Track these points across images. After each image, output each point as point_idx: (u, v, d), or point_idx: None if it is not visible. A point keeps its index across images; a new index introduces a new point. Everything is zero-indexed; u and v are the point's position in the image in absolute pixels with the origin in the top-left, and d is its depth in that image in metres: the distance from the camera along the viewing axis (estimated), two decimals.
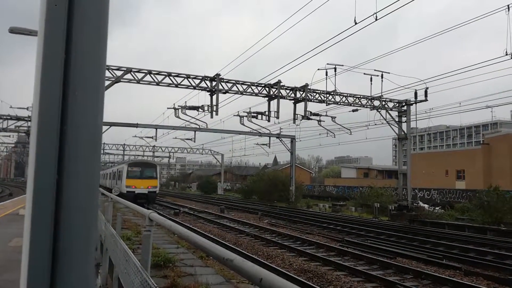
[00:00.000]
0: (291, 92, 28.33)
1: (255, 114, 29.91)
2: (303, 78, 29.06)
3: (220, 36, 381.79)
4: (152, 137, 45.66)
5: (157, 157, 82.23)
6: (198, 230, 19.80)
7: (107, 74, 23.88)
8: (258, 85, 27.59)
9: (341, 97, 29.04)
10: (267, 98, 28.18)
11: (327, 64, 26.42)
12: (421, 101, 28.37)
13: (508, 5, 18.05)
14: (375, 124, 30.99)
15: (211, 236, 17.95)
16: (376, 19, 17.10)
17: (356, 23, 17.82)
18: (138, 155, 78.78)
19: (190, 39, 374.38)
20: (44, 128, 0.91)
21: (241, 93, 27.16)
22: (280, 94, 27.72)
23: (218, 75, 26.10)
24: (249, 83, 27.35)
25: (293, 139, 43.83)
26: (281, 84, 27.63)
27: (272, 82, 27.57)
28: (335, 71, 26.49)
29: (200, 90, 26.50)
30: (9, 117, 36.62)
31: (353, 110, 30.04)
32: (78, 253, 0.93)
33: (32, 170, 0.90)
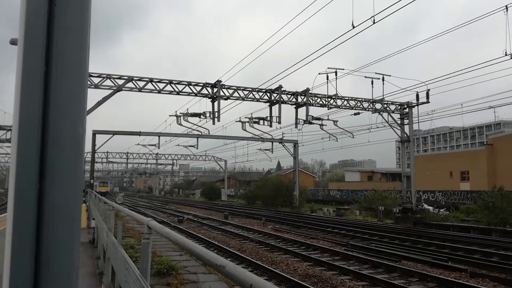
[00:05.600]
0: (292, 97, 28.36)
1: (256, 120, 29.94)
2: (311, 80, 29.28)
3: (233, 41, 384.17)
4: (155, 145, 45.83)
5: (160, 164, 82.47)
6: (202, 237, 19.78)
7: (109, 83, 24.05)
8: (259, 90, 27.64)
9: (343, 100, 29.06)
10: (268, 104, 28.23)
11: (328, 68, 26.49)
12: (423, 103, 28.36)
13: (506, 6, 18.05)
14: (377, 127, 30.99)
15: (215, 242, 17.91)
16: (374, 22, 17.14)
17: (354, 27, 17.88)
18: (142, 163, 79.17)
19: (202, 44, 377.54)
20: (25, 138, 0.91)
21: (243, 99, 27.22)
22: (282, 99, 27.75)
23: (219, 81, 26.19)
24: (250, 89, 27.41)
25: (295, 143, 43.82)
26: (282, 89, 27.68)
27: (279, 84, 27.66)
28: (336, 75, 26.57)
29: (201, 97, 26.59)
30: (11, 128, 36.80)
31: (355, 114, 30.03)
32: (62, 262, 0.93)
33: (13, 179, 0.90)
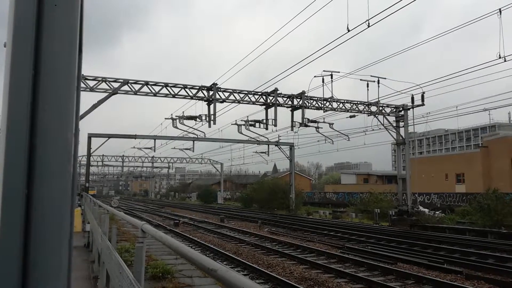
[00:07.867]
0: (288, 99, 28.41)
1: (252, 123, 29.94)
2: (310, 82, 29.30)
3: (232, 42, 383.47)
4: (151, 148, 45.76)
5: (156, 167, 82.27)
6: (198, 240, 19.72)
7: (104, 86, 23.98)
8: (255, 93, 27.65)
9: (338, 103, 29.11)
10: (264, 107, 28.24)
11: (323, 71, 26.55)
12: (418, 105, 28.46)
13: (500, 9, 18.18)
14: (373, 130, 31.09)
15: (211, 246, 17.87)
16: (369, 26, 17.23)
17: (349, 31, 17.95)
18: (137, 166, 79.11)
19: (201, 45, 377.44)
20: (13, 141, 0.90)
21: (238, 102, 27.22)
22: (277, 102, 27.78)
23: (215, 84, 26.19)
24: (246, 92, 27.41)
25: (291, 146, 43.83)
26: (278, 92, 27.71)
27: (275, 87, 27.66)
28: (331, 77, 26.62)
29: (197, 100, 26.58)
30: None
31: (351, 116, 30.11)
32: (50, 264, 0.92)
33: (1, 181, 0.89)
